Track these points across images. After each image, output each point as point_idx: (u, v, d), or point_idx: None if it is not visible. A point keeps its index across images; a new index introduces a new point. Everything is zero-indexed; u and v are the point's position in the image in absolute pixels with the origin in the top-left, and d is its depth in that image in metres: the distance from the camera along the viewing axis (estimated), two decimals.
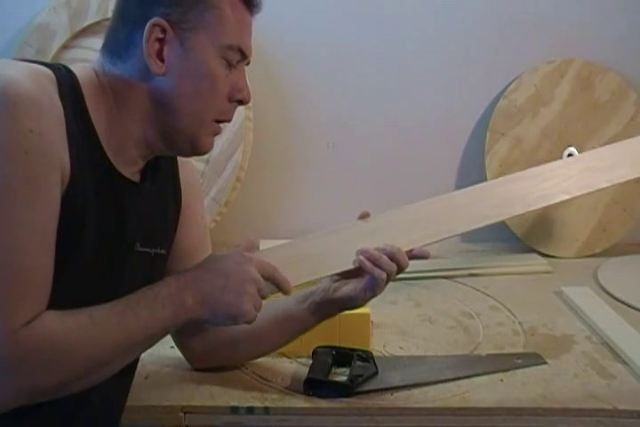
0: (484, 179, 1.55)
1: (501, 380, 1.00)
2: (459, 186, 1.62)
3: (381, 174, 1.62)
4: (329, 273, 0.91)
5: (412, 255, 0.92)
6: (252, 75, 1.49)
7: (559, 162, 1.05)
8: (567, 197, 0.99)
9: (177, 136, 0.83)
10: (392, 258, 0.88)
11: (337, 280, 0.93)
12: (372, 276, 0.88)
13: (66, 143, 0.73)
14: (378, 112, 1.58)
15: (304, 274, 0.89)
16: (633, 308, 1.25)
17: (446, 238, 0.94)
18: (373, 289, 0.89)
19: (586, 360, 1.06)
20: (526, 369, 1.03)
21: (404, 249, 0.90)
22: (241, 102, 0.86)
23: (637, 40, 1.54)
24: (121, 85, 0.80)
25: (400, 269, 0.90)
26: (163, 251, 0.91)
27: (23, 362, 0.69)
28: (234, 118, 1.42)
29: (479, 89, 1.57)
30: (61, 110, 0.73)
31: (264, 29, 1.52)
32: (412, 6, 1.52)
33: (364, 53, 1.55)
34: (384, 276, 0.88)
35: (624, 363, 1.05)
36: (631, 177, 1.05)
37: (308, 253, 0.91)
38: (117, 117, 0.80)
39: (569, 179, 1.00)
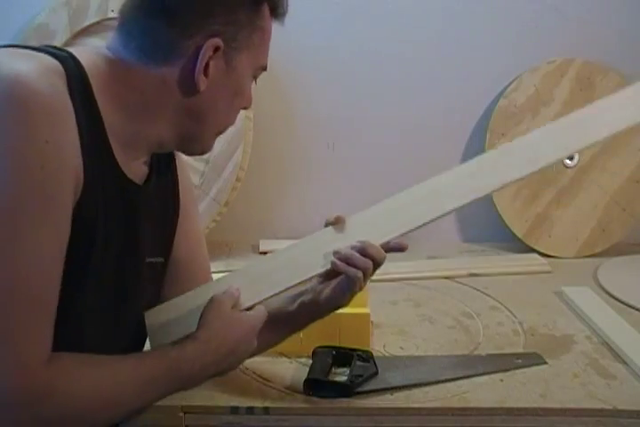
0: None
1: (501, 380, 1.00)
2: None
3: (381, 174, 1.61)
4: (303, 279, 0.90)
5: (389, 248, 0.89)
6: None
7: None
8: (565, 153, 0.93)
9: (195, 141, 0.83)
10: (364, 254, 0.86)
11: (322, 282, 0.92)
12: (347, 275, 0.87)
13: (79, 149, 0.70)
14: (378, 112, 1.58)
15: (277, 284, 0.89)
16: (633, 308, 1.25)
17: (420, 226, 0.90)
18: (351, 288, 0.87)
19: (586, 360, 1.06)
20: (526, 369, 1.03)
21: (378, 243, 0.88)
22: (244, 108, 0.87)
23: (638, 40, 1.54)
24: (151, 88, 0.77)
25: (376, 264, 0.87)
26: (161, 259, 0.90)
27: (34, 404, 0.66)
28: None
29: (479, 89, 1.57)
30: (72, 110, 0.69)
31: None
32: (412, 6, 1.52)
33: (365, 53, 1.55)
34: (359, 274, 0.86)
35: (624, 363, 1.05)
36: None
37: (281, 264, 0.91)
38: (137, 115, 0.77)
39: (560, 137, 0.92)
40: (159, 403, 0.93)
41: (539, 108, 1.53)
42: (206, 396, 0.95)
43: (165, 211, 0.90)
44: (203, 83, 0.77)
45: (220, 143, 1.45)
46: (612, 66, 1.53)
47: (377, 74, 1.56)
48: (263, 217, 1.63)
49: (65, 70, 0.71)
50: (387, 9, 1.52)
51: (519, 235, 1.55)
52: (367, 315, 1.07)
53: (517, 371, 1.03)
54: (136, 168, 0.81)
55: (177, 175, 0.93)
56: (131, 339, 0.86)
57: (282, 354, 1.06)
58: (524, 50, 1.54)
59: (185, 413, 0.93)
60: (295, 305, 0.93)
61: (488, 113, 1.56)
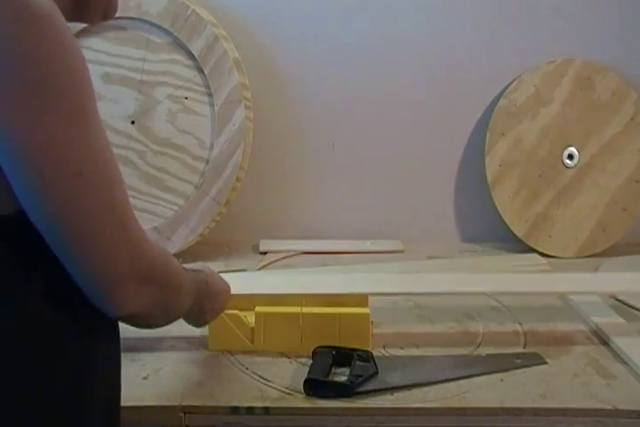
0: (484, 179, 1.55)
1: (501, 380, 1.00)
2: (459, 186, 1.62)
3: (381, 174, 1.62)
4: None
5: None
6: (252, 75, 1.50)
7: None
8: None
9: (91, 3, 0.78)
10: None
11: None
12: None
13: None
14: (378, 112, 1.58)
15: None
16: (633, 308, 1.25)
17: None
18: None
19: (586, 360, 1.06)
20: (526, 369, 1.03)
21: None
22: None
23: (638, 40, 1.54)
24: None
25: None
26: None
27: (153, 273, 0.73)
28: (234, 118, 1.44)
29: (479, 89, 1.57)
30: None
31: (265, 29, 1.53)
32: (412, 5, 1.52)
33: (365, 53, 1.54)
34: None
35: (624, 363, 1.05)
36: None
37: None
38: None
39: None
40: (159, 403, 0.93)
41: (539, 108, 1.53)
42: (206, 396, 0.95)
43: None
44: None
45: (220, 143, 1.45)
46: (611, 66, 1.53)
47: (377, 74, 1.56)
48: (263, 217, 1.63)
49: None
50: (387, 9, 1.52)
51: (519, 235, 1.55)
52: (367, 315, 1.07)
53: (517, 371, 1.03)
54: None
55: None
56: None
57: (282, 354, 1.06)
58: (524, 50, 1.54)
59: (185, 413, 0.93)
60: None
61: (488, 113, 1.56)
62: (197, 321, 0.99)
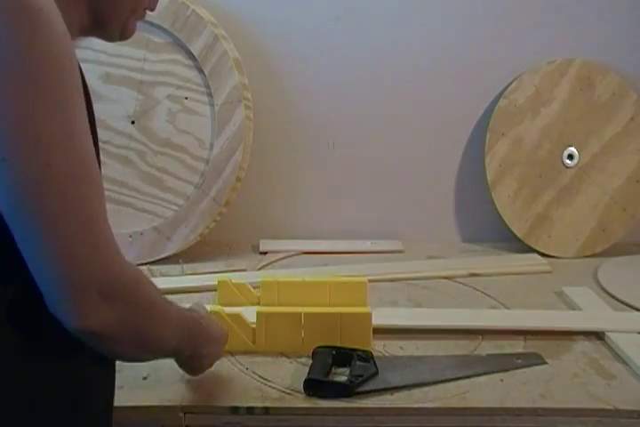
0: (484, 179, 1.55)
1: (501, 380, 1.00)
2: (459, 186, 1.62)
3: (381, 174, 1.62)
4: None
5: None
6: (252, 74, 1.50)
7: None
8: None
9: (110, 21, 0.79)
10: None
11: None
12: None
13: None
14: (378, 112, 1.58)
15: None
16: (633, 308, 1.25)
17: None
18: None
19: (586, 360, 1.06)
20: (526, 369, 1.03)
21: None
22: None
23: (638, 40, 1.54)
24: None
25: None
26: None
27: (120, 288, 0.67)
28: (234, 118, 1.44)
29: (479, 89, 1.57)
30: None
31: (265, 29, 1.53)
32: (411, 6, 1.52)
33: (364, 53, 1.54)
34: None
35: (624, 363, 1.05)
36: None
37: None
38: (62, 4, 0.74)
39: None
40: (159, 403, 0.93)
41: (539, 108, 1.53)
42: (206, 396, 0.96)
43: None
44: None
45: (220, 143, 1.45)
46: (612, 66, 1.53)
47: (377, 74, 1.56)
48: (263, 217, 1.63)
49: None
50: (387, 8, 1.52)
51: (519, 235, 1.55)
52: (368, 314, 1.07)
53: (517, 371, 1.03)
54: None
55: None
56: None
57: (282, 354, 1.06)
58: (524, 50, 1.54)
59: (185, 413, 0.93)
60: None
61: (488, 113, 1.56)
62: (193, 367, 0.92)
